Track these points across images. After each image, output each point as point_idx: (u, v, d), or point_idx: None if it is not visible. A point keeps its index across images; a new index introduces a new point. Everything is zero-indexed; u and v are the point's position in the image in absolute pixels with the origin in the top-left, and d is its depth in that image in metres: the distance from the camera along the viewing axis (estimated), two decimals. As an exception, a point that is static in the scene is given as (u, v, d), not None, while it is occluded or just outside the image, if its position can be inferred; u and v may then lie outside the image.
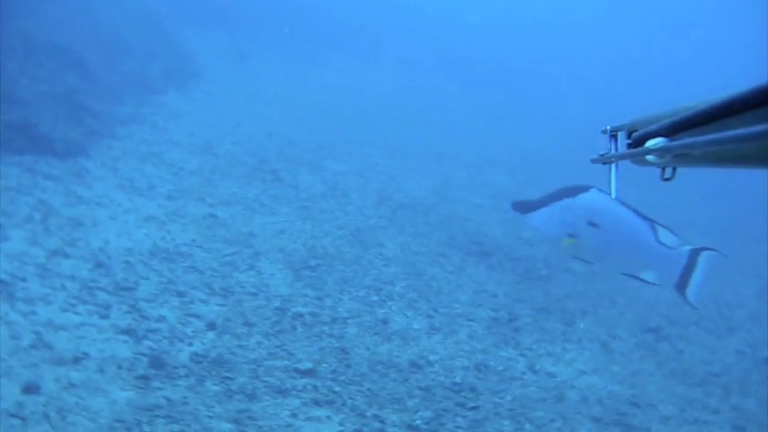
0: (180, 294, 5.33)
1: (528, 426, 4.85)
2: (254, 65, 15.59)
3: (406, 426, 4.48)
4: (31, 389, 3.84)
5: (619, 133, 1.36)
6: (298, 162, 9.51)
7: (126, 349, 4.48)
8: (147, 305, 5.05)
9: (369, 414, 4.49)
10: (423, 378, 5.08)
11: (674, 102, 1.22)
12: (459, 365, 5.41)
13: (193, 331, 4.90)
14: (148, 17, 12.95)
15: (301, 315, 5.52)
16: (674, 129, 1.04)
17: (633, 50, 24.75)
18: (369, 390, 4.76)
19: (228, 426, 4.03)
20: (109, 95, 9.18)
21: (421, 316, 6.08)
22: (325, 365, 4.90)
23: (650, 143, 1.09)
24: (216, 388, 4.35)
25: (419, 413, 4.64)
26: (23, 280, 4.88)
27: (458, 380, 5.18)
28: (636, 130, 1.23)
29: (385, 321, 5.81)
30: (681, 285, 6.74)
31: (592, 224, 7.06)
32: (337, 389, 4.68)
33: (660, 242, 6.79)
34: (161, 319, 4.93)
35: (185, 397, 4.17)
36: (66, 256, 5.38)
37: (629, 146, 1.26)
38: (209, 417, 4.05)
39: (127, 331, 4.66)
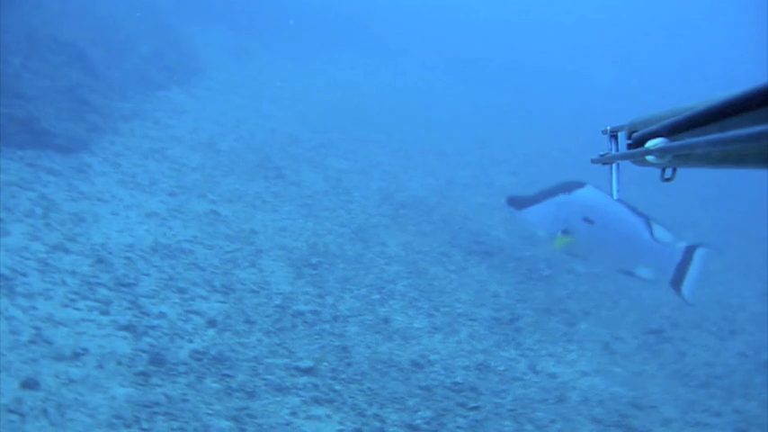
0: (180, 291, 5.31)
1: (529, 426, 4.82)
2: (258, 61, 15.57)
3: (406, 425, 4.46)
4: (29, 384, 3.82)
5: (619, 133, 1.35)
6: (300, 159, 9.50)
7: (126, 345, 4.46)
8: (147, 301, 5.03)
9: (369, 413, 4.47)
10: (423, 377, 5.06)
11: (678, 100, 1.20)
12: (460, 365, 5.39)
13: (194, 328, 4.88)
14: (152, 13, 12.94)
15: (302, 313, 5.50)
16: (675, 129, 1.03)
17: (640, 47, 24.70)
18: (369, 389, 4.74)
19: (228, 423, 4.01)
20: (112, 91, 9.17)
21: (422, 315, 6.06)
22: (325, 364, 4.88)
23: (650, 143, 1.09)
24: (216, 385, 4.33)
25: (419, 413, 4.61)
26: (24, 275, 4.86)
27: (459, 380, 5.16)
28: (636, 131, 1.22)
29: (386, 320, 5.79)
30: (676, 282, 6.74)
31: (587, 220, 7.05)
32: (338, 387, 4.66)
33: (655, 239, 6.78)
34: (161, 315, 4.91)
35: (185, 394, 4.15)
36: (67, 251, 5.37)
37: (630, 146, 1.25)
38: (209, 414, 4.04)
39: (127, 327, 4.65)
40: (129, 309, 4.87)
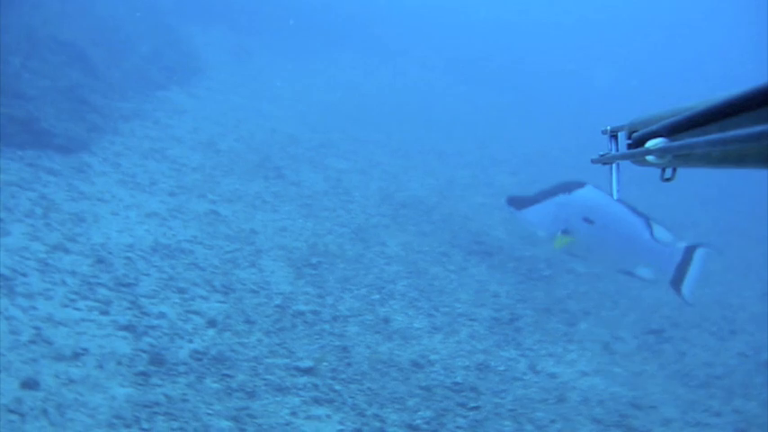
0: (180, 291, 5.31)
1: (529, 426, 4.82)
2: (258, 61, 15.57)
3: (406, 425, 4.46)
4: (29, 384, 3.82)
5: (619, 134, 1.35)
6: (300, 159, 9.50)
7: (126, 346, 4.46)
8: (147, 301, 5.03)
9: (369, 413, 4.47)
10: (423, 377, 5.06)
11: (678, 100, 1.20)
12: (460, 365, 5.39)
13: (194, 328, 4.88)
14: (152, 13, 12.93)
15: (302, 313, 5.50)
16: (675, 129, 1.03)
17: (640, 47, 24.70)
18: (369, 389, 4.74)
19: (228, 424, 4.01)
20: (112, 91, 9.17)
21: (422, 315, 6.06)
22: (325, 364, 4.88)
23: (650, 143, 1.09)
24: (216, 385, 4.33)
25: (419, 413, 4.61)
26: (24, 275, 4.86)
27: (459, 380, 5.16)
28: (636, 131, 1.22)
29: (386, 320, 5.79)
30: (676, 282, 6.74)
31: (587, 220, 7.05)
32: (337, 387, 4.66)
33: (655, 239, 6.78)
34: (161, 315, 4.91)
35: (185, 394, 4.15)
36: (67, 251, 5.37)
37: (630, 146, 1.25)
38: (209, 414, 4.04)
39: (127, 327, 4.65)
40: (129, 309, 4.87)
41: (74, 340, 4.34)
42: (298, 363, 4.80)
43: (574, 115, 16.64)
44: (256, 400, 4.31)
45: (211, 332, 4.89)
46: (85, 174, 6.86)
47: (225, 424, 4.00)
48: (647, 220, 6.85)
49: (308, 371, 4.75)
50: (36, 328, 4.34)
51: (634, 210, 6.90)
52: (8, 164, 6.45)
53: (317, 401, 4.46)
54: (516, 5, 26.58)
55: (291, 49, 17.06)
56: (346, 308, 5.80)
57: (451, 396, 4.92)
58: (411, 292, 6.43)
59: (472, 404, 4.89)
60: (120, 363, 4.28)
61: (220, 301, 5.34)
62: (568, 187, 7.21)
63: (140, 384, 4.14)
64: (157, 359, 4.40)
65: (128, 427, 3.75)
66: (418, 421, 4.52)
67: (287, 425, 4.16)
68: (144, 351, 4.45)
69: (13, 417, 3.57)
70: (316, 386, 4.60)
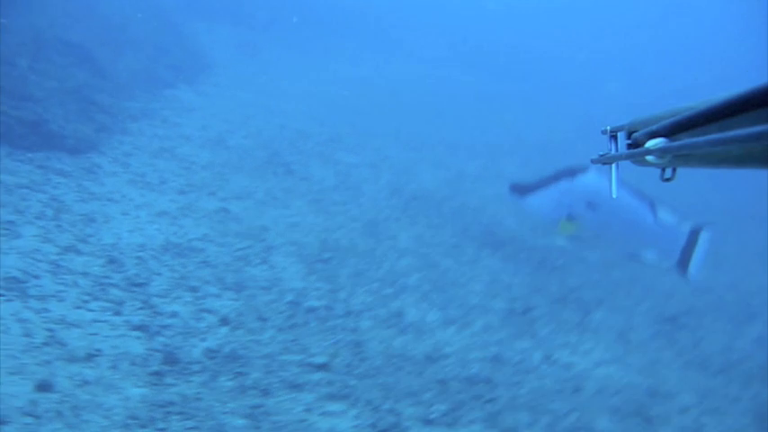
0: (193, 290, 5.30)
1: (545, 417, 4.79)
2: (265, 58, 15.55)
3: (421, 419, 4.44)
4: (44, 387, 3.82)
5: (619, 133, 1.34)
6: (309, 154, 9.48)
7: (139, 346, 4.46)
8: (159, 301, 5.02)
9: (384, 408, 4.45)
10: (438, 371, 5.04)
11: (678, 100, 1.19)
12: (474, 357, 5.36)
13: (207, 326, 4.87)
14: (157, 12, 12.93)
15: (315, 309, 5.48)
16: (674, 129, 1.03)
17: (644, 43, 24.54)
18: (384, 383, 4.72)
19: (242, 421, 4.00)
20: (119, 91, 9.17)
21: (435, 308, 6.03)
22: (339, 359, 4.86)
23: (650, 143, 1.08)
24: (230, 383, 4.32)
25: (435, 406, 4.59)
26: (36, 277, 4.86)
27: (473, 372, 5.13)
28: (636, 131, 1.21)
29: (399, 314, 5.76)
30: (682, 264, 6.70)
31: (591, 205, 7.01)
32: (352, 383, 4.64)
33: (660, 222, 6.74)
34: (174, 314, 4.90)
35: (199, 393, 4.15)
36: (79, 252, 5.37)
37: (630, 146, 1.24)
38: (224, 413, 4.03)
39: (140, 327, 4.64)
40: (142, 309, 4.87)
41: (87, 341, 4.34)
42: (311, 359, 4.79)
43: (582, 103, 16.54)
44: (271, 397, 4.30)
45: (224, 330, 4.88)
46: (95, 174, 6.86)
47: (240, 422, 3.99)
48: (652, 204, 6.81)
49: (321, 367, 4.73)
50: (49, 330, 4.34)
51: (639, 193, 6.85)
52: (18, 166, 6.45)
53: (331, 397, 4.44)
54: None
55: (298, 44, 17.03)
56: (359, 302, 5.78)
57: (466, 389, 4.89)
58: (423, 285, 6.40)
59: (487, 396, 4.86)
60: (133, 363, 4.27)
61: (233, 299, 5.32)
62: (571, 173, 7.17)
63: (154, 384, 4.13)
64: (171, 358, 4.39)
65: (143, 427, 3.75)
66: (434, 415, 4.50)
67: (302, 421, 4.14)
68: (157, 351, 4.45)
69: (29, 419, 3.57)
70: (330, 382, 4.59)
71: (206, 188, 7.32)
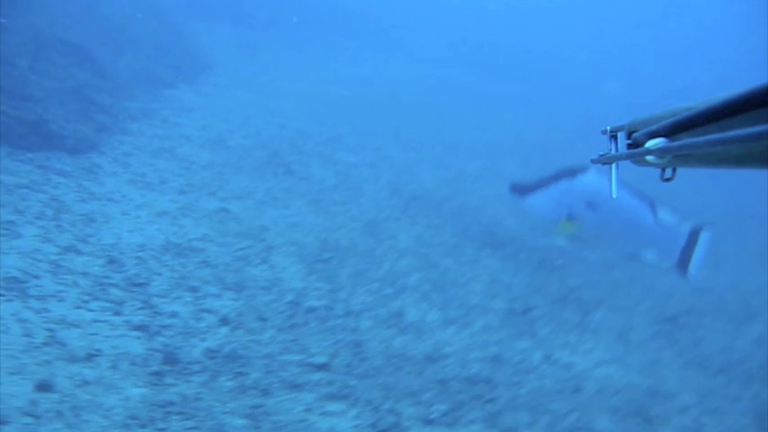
0: (192, 290, 5.30)
1: (545, 418, 4.79)
2: (265, 58, 15.55)
3: (421, 419, 4.43)
4: (44, 387, 3.82)
5: (619, 134, 1.34)
6: (310, 154, 9.48)
7: (139, 346, 4.46)
8: (159, 301, 5.02)
9: (384, 408, 4.45)
10: (438, 371, 5.04)
11: (678, 100, 1.19)
12: (474, 357, 5.36)
13: (207, 326, 4.87)
14: (157, 12, 12.93)
15: (315, 309, 5.48)
16: (674, 129, 1.03)
17: (644, 43, 24.54)
18: (384, 383, 4.72)
19: (242, 421, 4.00)
20: (119, 91, 9.17)
21: (435, 308, 6.03)
22: (339, 359, 4.86)
23: (650, 143, 1.08)
24: (230, 383, 4.32)
25: (435, 406, 4.59)
26: (36, 277, 4.86)
27: (473, 372, 5.13)
28: (636, 131, 1.22)
29: (399, 314, 5.76)
30: (682, 264, 6.70)
31: (590, 205, 7.01)
32: (352, 383, 4.64)
33: (660, 222, 6.74)
34: (174, 314, 4.90)
35: (199, 393, 4.15)
36: (79, 252, 5.36)
37: (630, 146, 1.24)
38: (223, 413, 4.03)
39: (140, 327, 4.64)
40: (142, 308, 4.87)
41: (87, 341, 4.34)
42: (311, 359, 4.79)
43: (582, 103, 16.54)
44: (271, 397, 4.30)
45: (224, 330, 4.88)
46: (95, 174, 6.86)
47: (240, 422, 3.99)
48: (652, 203, 6.81)
49: (321, 367, 4.73)
50: (49, 330, 4.34)
51: (639, 193, 6.85)
52: (18, 166, 6.45)
53: (331, 397, 4.44)
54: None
55: (298, 44, 17.03)
56: (359, 303, 5.78)
57: (466, 389, 4.89)
58: (423, 285, 6.40)
59: (487, 396, 4.86)
60: (133, 363, 4.27)
61: (233, 299, 5.32)
62: (571, 173, 7.17)
63: (154, 384, 4.13)
64: (171, 358, 4.39)
65: (143, 427, 3.74)
66: (434, 415, 4.50)
67: (302, 421, 4.14)
68: (157, 351, 4.45)
69: (29, 419, 3.57)
70: (330, 382, 4.59)
71: (206, 188, 7.32)
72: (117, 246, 5.63)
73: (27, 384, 3.81)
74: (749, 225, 10.56)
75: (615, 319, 6.69)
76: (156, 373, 4.23)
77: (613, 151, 1.34)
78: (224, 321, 4.98)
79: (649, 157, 1.10)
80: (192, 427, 3.84)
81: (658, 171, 1.15)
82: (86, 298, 4.80)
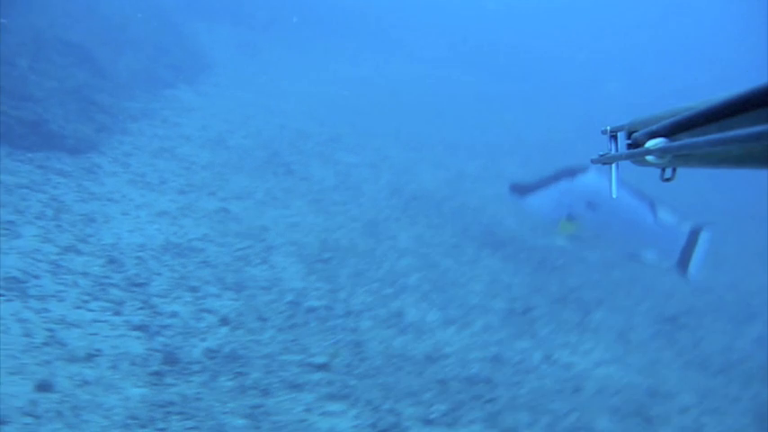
0: (192, 290, 5.30)
1: (545, 417, 4.79)
2: (265, 58, 15.54)
3: (421, 419, 4.43)
4: (44, 387, 3.82)
5: (619, 134, 1.35)
6: (309, 154, 9.47)
7: (139, 346, 4.46)
8: (159, 301, 5.02)
9: (384, 408, 4.45)
10: (438, 371, 5.04)
11: (678, 100, 1.19)
12: (474, 357, 5.36)
13: (207, 326, 4.87)
14: (158, 12, 12.93)
15: (315, 309, 5.48)
16: (674, 129, 1.03)
17: (645, 34, 24.54)
18: (384, 383, 4.72)
19: (242, 421, 4.00)
20: (119, 91, 9.17)
21: (435, 308, 6.03)
22: (339, 359, 4.86)
23: (650, 143, 1.08)
24: (230, 383, 4.32)
25: (435, 406, 4.59)
26: (36, 277, 4.86)
27: (473, 372, 5.13)
28: (636, 131, 1.22)
29: (399, 314, 5.76)
30: (682, 264, 6.70)
31: (590, 205, 7.00)
32: (352, 383, 4.64)
33: (659, 222, 6.74)
34: (174, 314, 4.90)
35: (199, 393, 4.15)
36: (79, 252, 5.36)
37: (629, 146, 1.25)
38: (223, 413, 4.03)
39: (140, 327, 4.64)
40: (142, 308, 4.87)
41: (87, 341, 4.34)
42: (311, 359, 4.78)
43: (582, 102, 16.54)
44: (271, 397, 4.30)
45: (224, 330, 4.88)
46: (95, 174, 6.86)
47: (240, 422, 3.99)
48: (652, 203, 6.81)
49: (321, 367, 4.73)
50: (49, 330, 4.34)
51: (639, 193, 6.85)
52: (18, 166, 6.45)
53: (331, 397, 4.44)
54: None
55: (298, 44, 17.03)
56: (359, 302, 5.78)
57: (466, 389, 4.89)
58: (424, 285, 6.40)
59: (487, 396, 4.86)
60: (133, 363, 4.27)
61: (233, 299, 5.32)
62: (571, 173, 7.17)
63: (154, 384, 4.13)
64: (171, 358, 4.39)
65: (143, 427, 3.74)
66: (434, 415, 4.49)
67: (302, 421, 4.14)
68: (157, 351, 4.45)
69: (29, 419, 3.57)
70: (330, 382, 4.59)
71: (206, 188, 7.32)
72: (117, 246, 5.63)
73: (27, 384, 3.81)
74: (749, 225, 10.56)
75: (615, 319, 6.69)
76: (156, 373, 4.23)
77: (613, 151, 1.35)
78: (224, 321, 4.98)
79: (649, 157, 1.10)
80: (191, 427, 3.84)
81: (658, 171, 1.16)
82: (86, 298, 4.80)
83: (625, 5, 26.48)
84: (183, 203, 6.79)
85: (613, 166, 1.33)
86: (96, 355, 4.23)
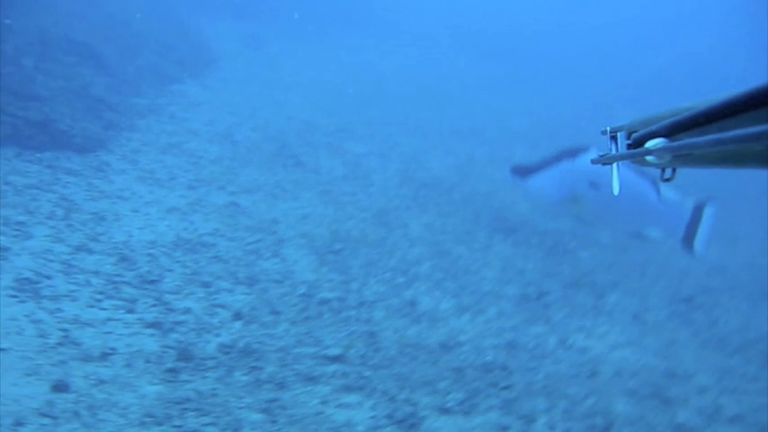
0: (205, 285, 5.30)
1: (562, 402, 4.77)
2: (270, 50, 15.50)
3: (438, 408, 4.42)
4: (60, 387, 3.83)
5: (619, 134, 1.34)
6: (318, 145, 9.45)
7: (153, 343, 4.46)
8: (172, 297, 5.02)
9: (400, 398, 4.44)
10: (453, 359, 5.02)
11: (678, 100, 1.18)
12: (489, 344, 5.34)
13: (220, 322, 4.87)
14: (162, 7, 12.90)
15: (328, 300, 5.47)
16: (674, 129, 1.04)
17: (643, 42, 24.38)
18: (399, 373, 4.71)
19: (259, 416, 4.00)
20: (126, 87, 9.16)
21: (449, 296, 6.01)
22: (353, 351, 4.86)
23: (650, 144, 1.09)
24: (245, 378, 4.32)
25: (451, 395, 4.58)
26: (48, 277, 4.87)
27: (489, 359, 5.11)
28: (636, 131, 1.22)
29: (412, 303, 5.75)
30: (687, 240, 6.65)
31: (593, 184, 6.94)
32: (367, 374, 4.63)
33: (663, 199, 6.68)
34: (187, 310, 4.90)
35: (215, 389, 4.15)
36: (90, 251, 5.37)
37: (629, 146, 1.25)
38: (240, 408, 4.03)
39: (153, 325, 4.64)
40: (155, 306, 4.87)
41: (101, 340, 4.35)
42: (326, 351, 4.78)
43: (590, 85, 16.43)
44: (286, 390, 4.29)
45: (238, 325, 4.88)
46: (104, 172, 6.87)
47: (256, 417, 3.99)
48: (655, 181, 6.75)
49: (336, 358, 4.72)
50: (63, 330, 4.35)
51: (641, 171, 6.79)
52: (27, 166, 6.46)
53: (347, 389, 4.43)
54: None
55: (302, 35, 16.96)
56: (371, 293, 5.77)
57: (482, 376, 4.88)
58: (436, 273, 6.38)
59: (504, 383, 4.84)
60: (148, 360, 4.28)
61: (245, 293, 5.32)
62: (572, 153, 7.10)
63: (170, 381, 4.14)
64: (185, 355, 4.40)
65: (159, 425, 3.75)
66: (450, 404, 4.48)
67: (318, 414, 4.14)
68: (171, 347, 4.45)
69: (46, 420, 3.58)
70: (345, 374, 4.58)
71: (215, 183, 7.31)
72: (128, 243, 5.63)
73: (43, 385, 3.83)
74: (763, 202, 10.46)
75: (630, 301, 6.65)
76: (171, 370, 4.23)
77: (613, 151, 1.34)
78: (237, 316, 4.98)
79: (649, 158, 1.10)
80: (208, 423, 3.84)
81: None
82: (99, 297, 4.80)
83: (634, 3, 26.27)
84: (192, 199, 6.78)
85: (614, 166, 1.34)
86: (111, 354, 4.24)
